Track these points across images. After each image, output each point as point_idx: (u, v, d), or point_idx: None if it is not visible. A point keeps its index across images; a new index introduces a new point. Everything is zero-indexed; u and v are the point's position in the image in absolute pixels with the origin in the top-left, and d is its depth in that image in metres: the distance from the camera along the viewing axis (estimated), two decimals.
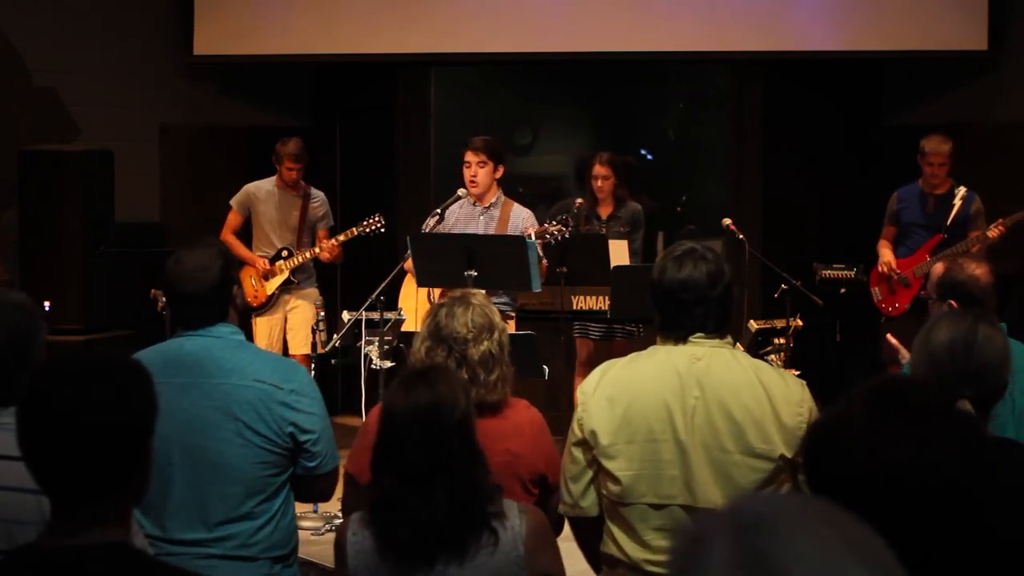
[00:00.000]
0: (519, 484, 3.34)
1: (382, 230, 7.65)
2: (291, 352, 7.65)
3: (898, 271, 7.53)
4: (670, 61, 10.16)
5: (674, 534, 1.25)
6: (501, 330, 3.37)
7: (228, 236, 7.76)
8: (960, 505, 1.79)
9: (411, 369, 3.04)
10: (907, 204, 7.61)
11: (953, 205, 7.48)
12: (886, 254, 7.59)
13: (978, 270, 4.15)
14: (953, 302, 4.11)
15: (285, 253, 7.78)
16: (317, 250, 7.73)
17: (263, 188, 7.83)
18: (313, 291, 7.87)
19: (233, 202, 7.86)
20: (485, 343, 3.31)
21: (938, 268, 4.32)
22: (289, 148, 7.68)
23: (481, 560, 2.73)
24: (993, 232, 7.24)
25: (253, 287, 7.74)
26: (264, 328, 7.77)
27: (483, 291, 3.49)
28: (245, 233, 7.89)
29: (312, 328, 7.08)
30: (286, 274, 7.77)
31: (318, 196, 7.92)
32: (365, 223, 7.58)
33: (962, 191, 7.49)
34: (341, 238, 7.67)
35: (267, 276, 7.76)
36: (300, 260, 7.77)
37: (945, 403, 1.95)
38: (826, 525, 1.21)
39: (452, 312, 3.33)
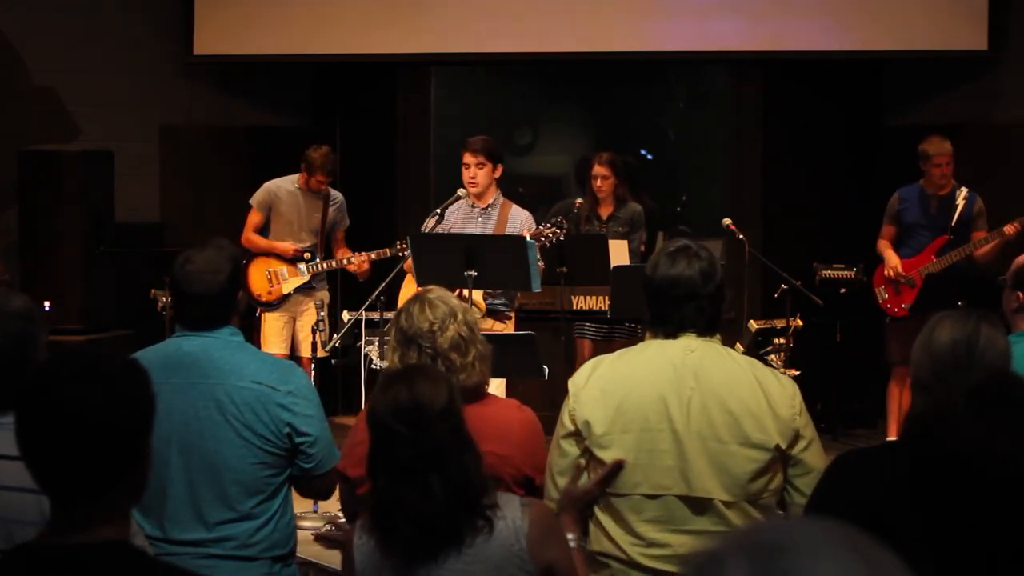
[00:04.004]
0: (503, 486, 3.33)
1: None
2: (300, 354, 7.46)
3: (905, 273, 7.52)
4: (670, 61, 10.16)
5: (686, 560, 1.24)
6: (464, 311, 3.38)
7: (251, 235, 7.59)
8: None
9: (390, 371, 3.07)
10: (908, 204, 7.60)
11: (957, 205, 7.48)
12: (892, 257, 7.57)
13: None
14: (1020, 294, 4.12)
15: (308, 256, 7.60)
16: (345, 261, 7.54)
17: (284, 188, 7.64)
18: (324, 293, 7.71)
19: (254, 201, 7.65)
20: (451, 329, 3.31)
21: (1020, 259, 4.30)
22: (321, 160, 7.48)
23: (478, 549, 2.74)
24: (1010, 229, 7.22)
25: (268, 282, 7.61)
26: (275, 325, 7.58)
27: (439, 286, 3.48)
28: (262, 232, 7.70)
29: (312, 328, 7.04)
30: (307, 277, 7.61)
31: (337, 198, 7.75)
32: (399, 246, 7.18)
33: (964, 191, 7.49)
34: (375, 256, 7.47)
35: (294, 260, 7.57)
36: (326, 267, 7.61)
37: None
38: (846, 551, 1.19)
39: (410, 313, 3.35)
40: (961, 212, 7.46)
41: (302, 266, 7.62)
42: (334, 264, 7.63)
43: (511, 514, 2.79)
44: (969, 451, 1.81)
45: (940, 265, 7.42)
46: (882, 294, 7.65)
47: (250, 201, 7.69)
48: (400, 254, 7.25)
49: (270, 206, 7.66)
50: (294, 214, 7.64)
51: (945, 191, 7.52)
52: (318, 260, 7.62)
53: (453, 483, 2.72)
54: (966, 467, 1.81)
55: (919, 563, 1.33)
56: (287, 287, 7.61)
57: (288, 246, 7.58)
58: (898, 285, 7.56)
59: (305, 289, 7.64)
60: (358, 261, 7.51)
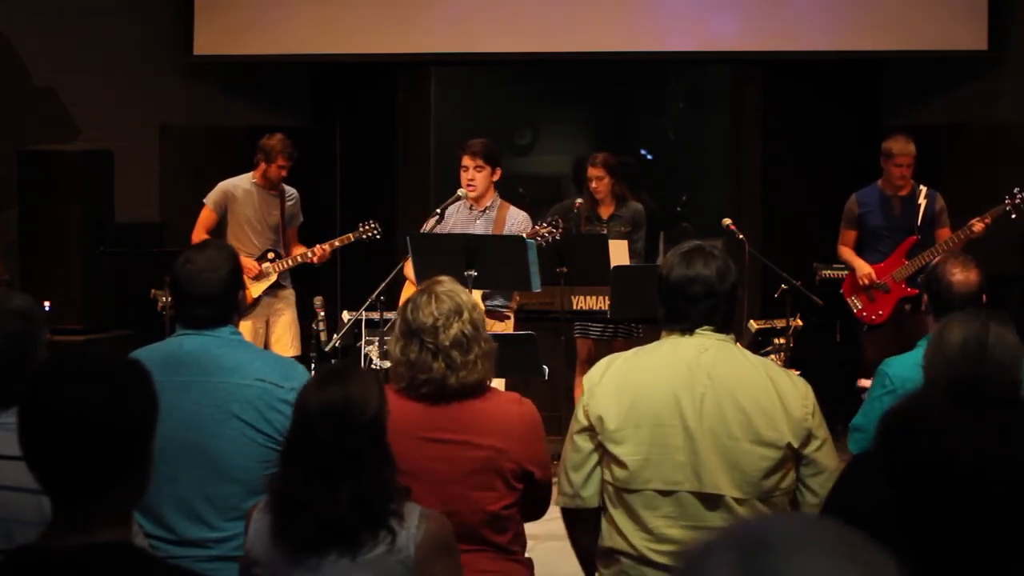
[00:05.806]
0: (501, 479, 3.33)
1: (377, 236, 7.49)
2: None
3: (877, 279, 7.47)
4: (670, 61, 10.16)
5: (679, 552, 1.25)
6: (471, 308, 3.37)
7: (202, 235, 7.41)
8: None
9: (327, 368, 3.04)
10: (870, 208, 7.51)
11: (919, 205, 7.42)
12: (863, 265, 7.47)
13: (957, 276, 3.98)
14: (926, 296, 4.13)
15: (271, 255, 7.52)
16: (310, 254, 7.49)
17: (240, 187, 7.54)
18: (290, 291, 7.62)
19: (208, 200, 7.54)
20: (455, 326, 3.30)
21: (938, 260, 4.30)
22: (280, 145, 7.42)
23: (374, 557, 2.72)
24: (978, 226, 7.19)
25: None
26: (248, 331, 7.36)
27: (450, 278, 3.47)
28: (217, 232, 7.56)
29: (313, 328, 7.02)
30: (274, 277, 7.52)
31: (293, 194, 7.66)
32: (361, 229, 7.41)
33: (924, 190, 7.44)
34: (337, 243, 7.47)
35: (257, 277, 7.48)
36: (291, 263, 7.53)
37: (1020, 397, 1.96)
38: (833, 546, 1.20)
39: (417, 305, 3.34)
40: (924, 211, 7.41)
41: (266, 265, 7.53)
42: (300, 259, 7.53)
43: (409, 523, 2.75)
44: (946, 449, 1.81)
45: (912, 267, 7.35)
46: (855, 303, 7.54)
47: (204, 200, 7.58)
48: (363, 236, 7.37)
49: (225, 206, 7.54)
50: (252, 212, 7.53)
51: (905, 191, 7.46)
52: (282, 256, 7.54)
53: (363, 492, 2.70)
54: (943, 466, 1.80)
55: (919, 564, 1.33)
56: (256, 290, 7.47)
57: (253, 266, 7.43)
58: (871, 292, 7.51)
59: (273, 290, 7.56)
60: (320, 252, 7.48)
